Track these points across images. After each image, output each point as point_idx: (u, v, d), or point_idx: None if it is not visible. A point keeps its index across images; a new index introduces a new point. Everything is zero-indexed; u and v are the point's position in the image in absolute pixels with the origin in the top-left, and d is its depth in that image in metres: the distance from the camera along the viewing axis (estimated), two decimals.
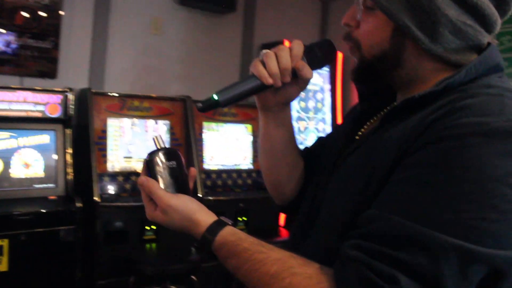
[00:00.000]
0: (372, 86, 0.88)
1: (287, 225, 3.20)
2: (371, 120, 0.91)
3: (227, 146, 3.18)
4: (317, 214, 0.85)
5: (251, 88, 0.84)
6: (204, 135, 3.08)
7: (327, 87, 3.80)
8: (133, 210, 2.55)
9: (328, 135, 1.08)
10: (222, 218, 0.80)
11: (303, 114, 3.66)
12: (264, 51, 0.85)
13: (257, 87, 0.84)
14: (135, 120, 2.82)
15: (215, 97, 0.80)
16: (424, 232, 0.58)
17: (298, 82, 0.87)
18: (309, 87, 3.51)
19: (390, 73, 0.78)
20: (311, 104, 3.71)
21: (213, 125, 3.14)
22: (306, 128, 3.67)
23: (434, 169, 0.61)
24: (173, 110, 2.96)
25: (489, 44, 0.76)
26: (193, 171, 0.89)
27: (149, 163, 0.83)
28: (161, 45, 3.20)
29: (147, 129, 2.85)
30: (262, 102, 0.93)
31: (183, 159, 0.85)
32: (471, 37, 0.72)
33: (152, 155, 0.83)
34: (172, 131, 2.94)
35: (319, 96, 3.77)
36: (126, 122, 2.79)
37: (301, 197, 1.00)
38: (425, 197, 0.61)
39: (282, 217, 3.21)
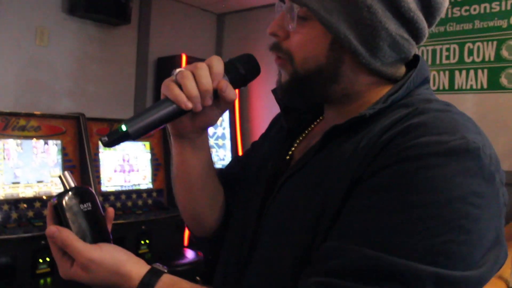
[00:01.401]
0: (302, 102, 0.81)
1: (191, 245, 3.10)
2: (300, 138, 0.87)
3: (125, 165, 3.00)
4: (253, 248, 0.77)
5: (166, 114, 0.72)
6: (100, 155, 2.87)
7: None
8: (22, 242, 2.28)
9: (247, 154, 1.01)
10: (156, 265, 0.71)
11: None
12: (178, 70, 0.75)
13: (173, 113, 0.73)
14: (22, 141, 2.54)
15: (124, 127, 0.69)
16: (396, 262, 0.55)
17: (219, 104, 0.78)
18: None
19: (325, 88, 0.73)
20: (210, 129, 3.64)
21: None
22: None
23: (397, 193, 0.58)
24: (65, 128, 2.71)
25: (417, 56, 0.76)
26: (111, 211, 0.77)
27: (58, 208, 0.69)
28: (48, 57, 2.93)
29: (36, 151, 2.58)
30: (176, 129, 0.81)
31: (97, 199, 0.74)
32: (406, 50, 0.72)
33: (60, 197, 0.69)
34: (64, 152, 2.69)
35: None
36: (11, 143, 2.49)
37: (224, 226, 0.93)
38: (391, 223, 0.57)
39: (186, 237, 3.11)
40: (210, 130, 3.58)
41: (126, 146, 3.02)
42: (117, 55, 3.31)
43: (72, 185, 0.72)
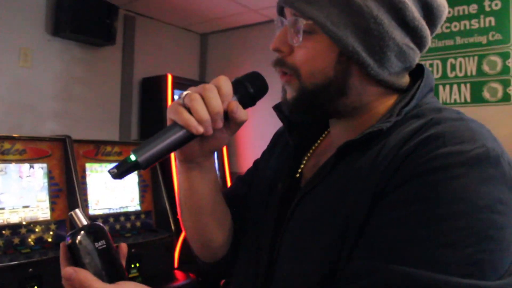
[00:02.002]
0: (310, 117, 0.80)
1: (181, 267, 3.04)
2: (308, 154, 0.85)
3: (113, 187, 2.93)
4: (271, 267, 0.76)
5: (175, 140, 0.69)
6: (87, 178, 2.80)
7: None
8: (9, 270, 2.19)
9: (251, 173, 0.98)
10: None
11: None
12: (185, 92, 0.71)
13: (183, 138, 0.70)
14: (6, 165, 2.46)
15: (133, 157, 0.66)
16: (433, 278, 0.54)
17: (229, 126, 0.75)
18: None
19: (334, 101, 0.72)
20: None
21: (97, 166, 2.88)
22: None
23: (424, 206, 0.58)
24: (51, 151, 2.64)
25: (420, 65, 0.76)
26: (124, 247, 0.73)
27: (73, 248, 0.66)
28: (32, 79, 2.86)
29: (21, 175, 2.50)
30: (184, 154, 0.78)
31: (109, 234, 0.70)
32: (411, 59, 0.72)
33: (74, 237, 0.66)
34: (50, 175, 2.62)
35: None
36: None
37: (234, 249, 0.91)
38: (421, 237, 0.57)
39: (176, 259, 3.05)
40: None
41: None
42: (102, 76, 3.27)
43: (84, 223, 0.68)
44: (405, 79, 0.75)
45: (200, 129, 0.69)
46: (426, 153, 0.60)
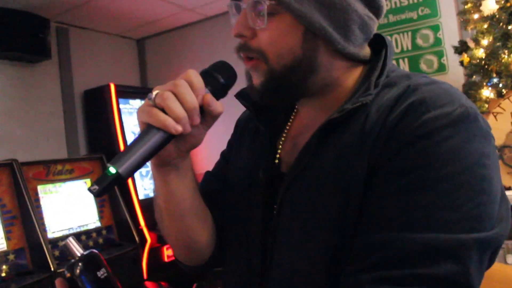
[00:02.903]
0: (280, 100, 0.78)
1: (151, 277, 2.98)
2: (282, 139, 0.84)
3: (70, 207, 2.82)
4: (267, 257, 0.75)
5: (154, 144, 0.65)
6: (41, 201, 2.67)
7: None
8: None
9: (222, 167, 0.96)
10: None
11: None
12: (155, 92, 0.67)
13: (162, 141, 0.65)
14: None
15: (112, 170, 0.61)
16: (441, 238, 0.57)
17: (204, 121, 0.72)
18: None
19: (304, 80, 0.71)
20: None
21: (50, 187, 2.76)
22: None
23: (420, 172, 0.60)
24: None
25: (378, 35, 0.77)
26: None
27: (73, 282, 0.63)
28: None
29: None
30: (161, 159, 0.73)
31: (105, 261, 0.67)
32: (371, 29, 0.73)
33: (72, 269, 0.63)
34: (1, 203, 2.47)
35: None
36: None
37: (221, 247, 0.88)
38: (424, 202, 0.59)
39: (145, 270, 2.98)
40: None
41: (67, 187, 2.85)
42: (41, 93, 3.13)
43: (80, 252, 0.65)
44: (367, 50, 0.77)
45: (179, 128, 0.65)
46: (412, 120, 0.62)
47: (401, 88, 0.68)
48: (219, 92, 0.72)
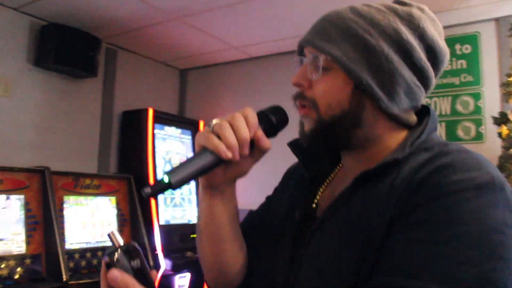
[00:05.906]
0: (325, 148, 0.85)
1: None
2: (323, 186, 0.90)
3: (91, 221, 2.86)
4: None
5: (206, 164, 0.74)
6: (65, 211, 2.72)
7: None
8: None
9: (264, 208, 1.02)
10: None
11: None
12: (215, 121, 0.77)
13: (212, 163, 0.75)
14: None
15: (166, 179, 0.71)
16: None
17: (253, 154, 0.80)
18: (173, 156, 3.46)
19: (349, 132, 0.78)
20: None
21: (76, 199, 2.81)
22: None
23: (440, 226, 0.62)
24: (28, 183, 2.57)
25: (426, 106, 0.82)
26: (154, 273, 0.75)
27: (110, 266, 0.70)
28: (11, 109, 2.81)
29: None
30: (209, 181, 0.82)
31: (143, 256, 0.73)
32: (418, 97, 0.78)
33: (111, 255, 0.70)
34: (27, 207, 2.53)
35: None
36: None
37: (248, 278, 0.93)
38: (438, 254, 0.61)
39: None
40: None
41: (92, 202, 2.89)
42: (82, 108, 3.24)
43: (121, 242, 0.72)
44: (413, 117, 0.81)
45: (229, 154, 0.73)
46: (438, 179, 0.65)
47: (434, 152, 0.71)
48: (270, 131, 0.81)
